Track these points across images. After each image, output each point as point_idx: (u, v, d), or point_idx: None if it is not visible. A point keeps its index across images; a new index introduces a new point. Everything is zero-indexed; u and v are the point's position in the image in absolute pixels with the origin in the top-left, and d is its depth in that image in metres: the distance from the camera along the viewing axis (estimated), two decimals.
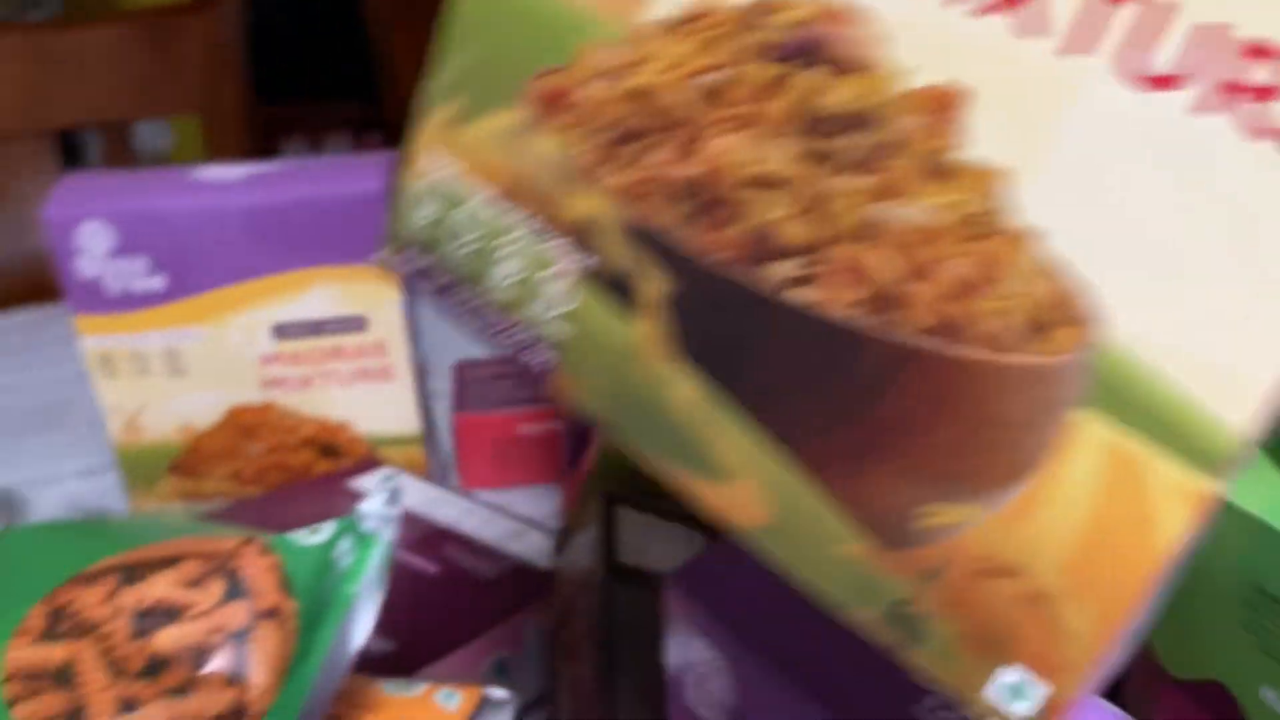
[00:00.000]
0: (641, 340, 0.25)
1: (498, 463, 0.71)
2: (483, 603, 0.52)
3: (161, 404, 0.63)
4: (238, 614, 0.31)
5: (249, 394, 0.64)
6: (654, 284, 0.25)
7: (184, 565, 0.32)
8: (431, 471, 0.70)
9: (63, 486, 0.74)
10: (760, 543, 0.25)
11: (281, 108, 2.50)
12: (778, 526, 0.24)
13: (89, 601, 0.31)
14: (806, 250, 0.23)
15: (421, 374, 0.68)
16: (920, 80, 0.21)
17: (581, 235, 0.26)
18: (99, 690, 0.29)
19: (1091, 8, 0.19)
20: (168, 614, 0.31)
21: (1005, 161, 0.20)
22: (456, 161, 0.28)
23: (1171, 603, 0.41)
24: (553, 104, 0.26)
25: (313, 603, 0.33)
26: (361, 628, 0.34)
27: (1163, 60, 0.19)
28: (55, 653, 0.30)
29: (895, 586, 0.23)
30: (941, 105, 0.21)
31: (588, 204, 0.26)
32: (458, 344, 0.89)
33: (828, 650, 0.32)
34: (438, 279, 0.30)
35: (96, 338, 0.61)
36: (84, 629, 0.30)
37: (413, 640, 0.49)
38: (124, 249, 0.59)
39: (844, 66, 0.22)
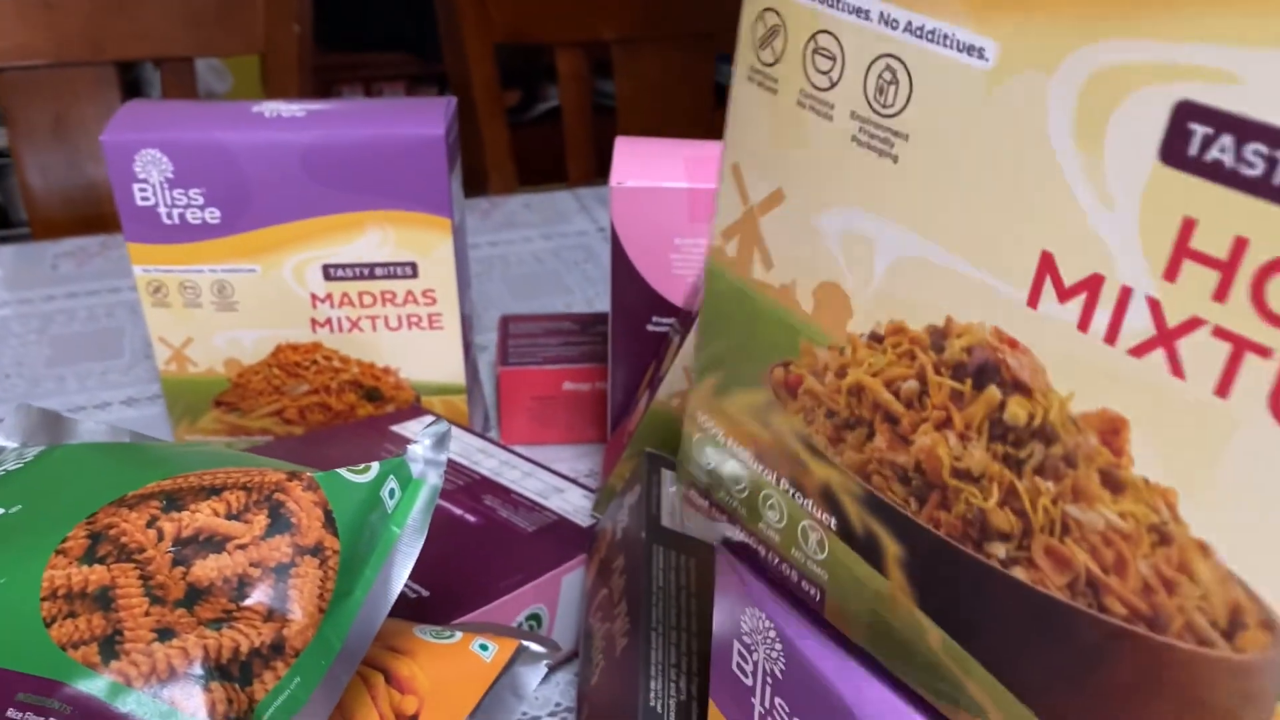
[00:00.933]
0: (890, 591, 0.28)
1: (539, 418, 0.70)
2: (520, 555, 0.51)
3: (209, 337, 0.63)
4: (280, 548, 0.31)
5: (297, 333, 0.63)
6: (890, 546, 0.28)
7: (227, 495, 0.31)
8: (474, 424, 0.69)
9: (109, 413, 0.75)
10: None
11: (338, 55, 2.50)
12: None
13: (131, 526, 0.31)
14: (1015, 536, 0.25)
15: (469, 325, 0.68)
16: (1080, 405, 0.23)
17: (825, 498, 0.30)
18: (138, 615, 0.29)
19: (1236, 355, 0.21)
20: (209, 544, 0.30)
21: (1170, 482, 0.22)
22: (719, 425, 0.33)
23: None
24: (788, 390, 0.30)
25: (356, 542, 0.32)
26: (403, 569, 0.33)
27: None
28: (95, 575, 0.30)
29: None
30: (1107, 428, 0.23)
31: (827, 474, 0.29)
32: (504, 298, 0.89)
33: None
34: (718, 517, 0.34)
35: (149, 267, 0.61)
36: (125, 553, 0.30)
37: (449, 588, 0.49)
38: (181, 179, 0.58)
39: (1017, 386, 0.24)
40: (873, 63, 0.26)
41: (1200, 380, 0.21)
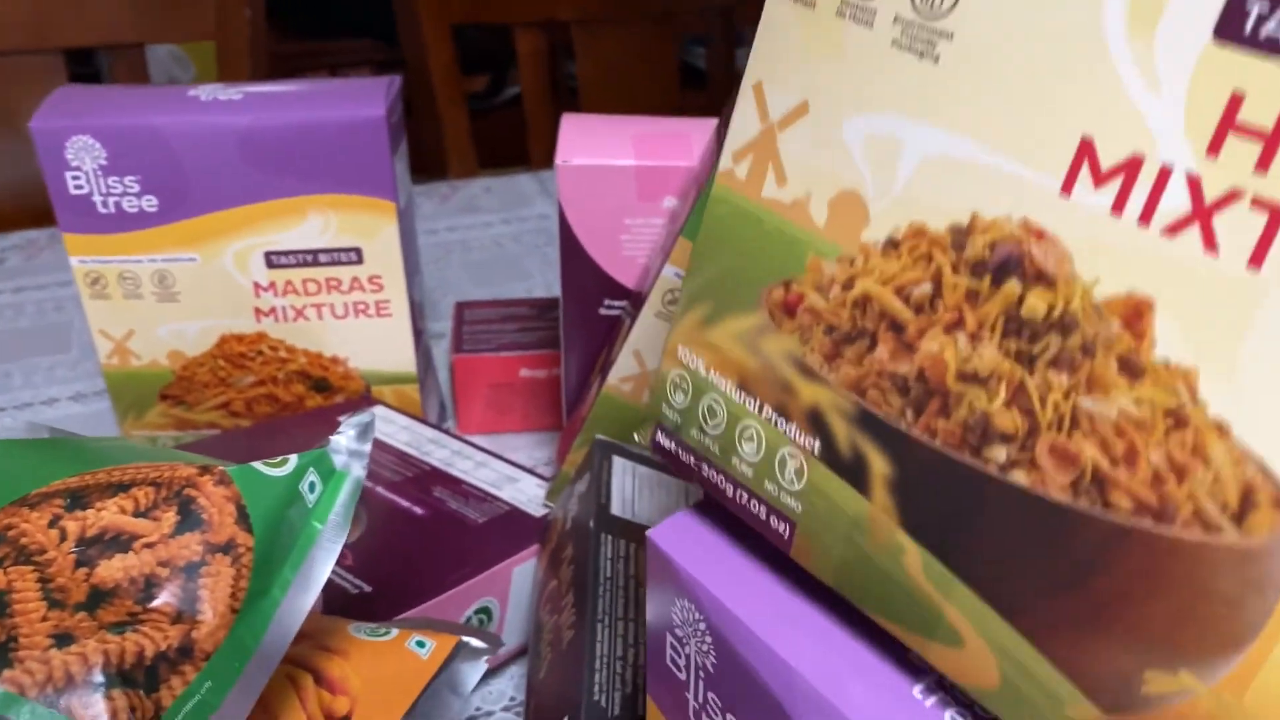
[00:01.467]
0: (870, 514, 0.28)
1: (495, 406, 0.69)
2: (469, 547, 0.50)
3: (152, 329, 0.61)
4: (190, 546, 0.29)
5: (241, 323, 0.62)
6: (878, 464, 0.28)
7: (136, 492, 0.30)
8: (428, 415, 0.68)
9: (57, 410, 0.73)
10: (991, 705, 0.27)
11: (300, 43, 2.47)
12: (1006, 691, 0.26)
13: (32, 526, 0.29)
14: (1018, 437, 0.25)
15: (419, 311, 0.66)
16: (1105, 290, 0.23)
17: (811, 421, 0.29)
18: (34, 620, 0.27)
19: (1273, 224, 0.21)
20: (114, 543, 0.29)
21: (1192, 362, 0.22)
22: (702, 356, 0.32)
23: None
24: (786, 309, 0.30)
25: (273, 537, 0.31)
26: (325, 566, 0.32)
27: None
28: None
29: None
30: (1130, 312, 0.23)
31: (817, 394, 0.29)
32: (464, 284, 0.87)
33: (810, 615, 0.30)
34: (685, 458, 0.33)
35: (86, 258, 0.59)
36: (23, 555, 0.29)
37: (394, 583, 0.47)
38: (115, 166, 0.56)
39: (1039, 278, 0.25)
40: None
41: (1233, 254, 0.21)
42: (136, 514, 0.29)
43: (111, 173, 0.56)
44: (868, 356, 0.28)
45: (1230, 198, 0.21)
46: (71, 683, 0.27)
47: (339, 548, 0.32)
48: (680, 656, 0.32)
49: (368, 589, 0.47)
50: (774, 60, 0.30)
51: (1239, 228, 0.21)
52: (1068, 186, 0.24)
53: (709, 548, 0.32)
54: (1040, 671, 0.25)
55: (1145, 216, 0.23)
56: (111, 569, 0.28)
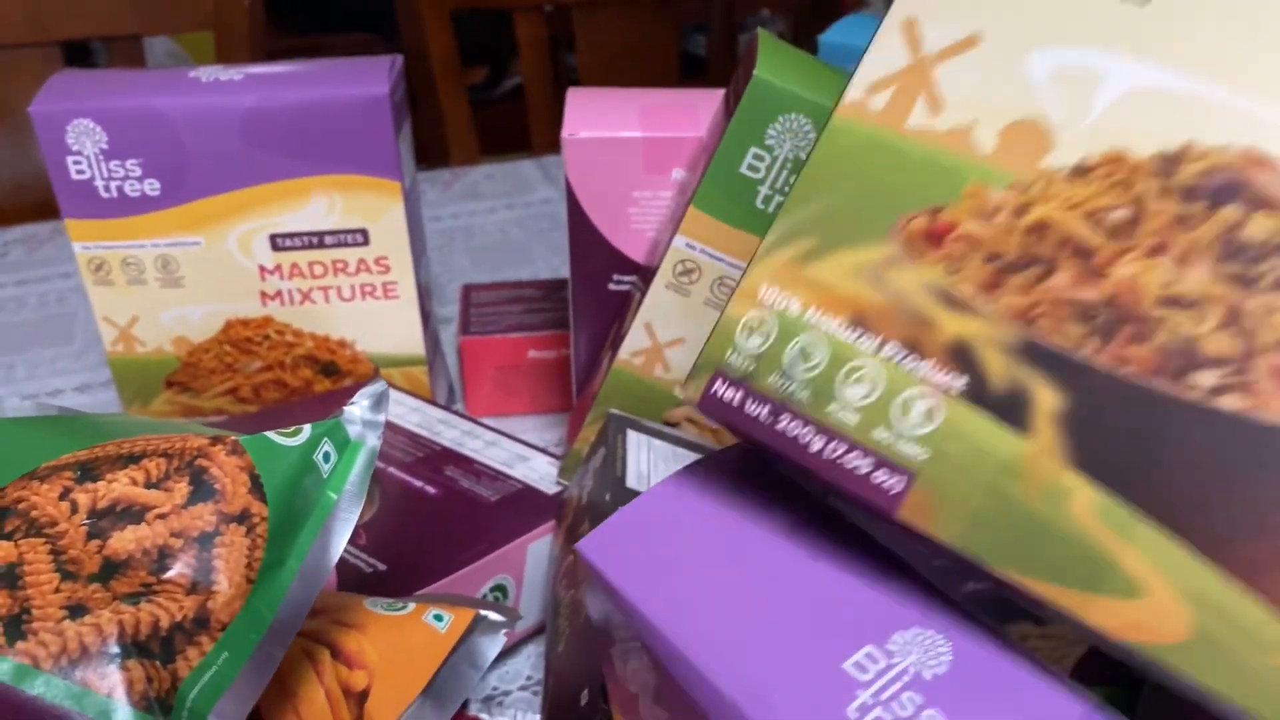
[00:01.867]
0: (1028, 455, 0.26)
1: (504, 388, 0.68)
2: (482, 526, 0.50)
3: (156, 315, 0.61)
4: (203, 516, 0.29)
5: (246, 307, 0.61)
6: (1046, 398, 0.26)
7: (146, 463, 0.29)
8: (437, 398, 0.67)
9: (62, 401, 0.72)
10: (1172, 661, 0.25)
11: (298, 38, 2.47)
12: (1198, 641, 0.24)
13: (42, 499, 0.29)
14: (1231, 361, 0.24)
15: (426, 294, 0.65)
16: None
17: (956, 356, 0.28)
18: (47, 592, 0.27)
19: None
20: (126, 514, 0.28)
21: None
22: (799, 295, 0.30)
23: None
24: (930, 238, 0.28)
25: (288, 508, 0.30)
26: (341, 536, 0.31)
27: None
28: (1, 552, 0.28)
29: None
30: None
31: (965, 326, 0.27)
32: (468, 271, 0.86)
33: (744, 627, 0.29)
34: (755, 409, 0.30)
35: (89, 244, 0.58)
36: (34, 528, 0.28)
37: (408, 563, 0.47)
38: (116, 150, 0.56)
39: (1263, 204, 0.24)
40: None
41: None
42: (148, 485, 0.29)
43: (113, 156, 0.56)
44: (1040, 285, 0.27)
45: None
46: (86, 654, 0.26)
47: (355, 518, 0.32)
48: (626, 669, 0.31)
49: (382, 568, 0.46)
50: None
51: None
52: None
53: (640, 559, 0.31)
54: (1247, 615, 0.24)
55: None
56: (124, 540, 0.28)
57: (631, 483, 0.47)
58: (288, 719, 0.32)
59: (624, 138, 0.52)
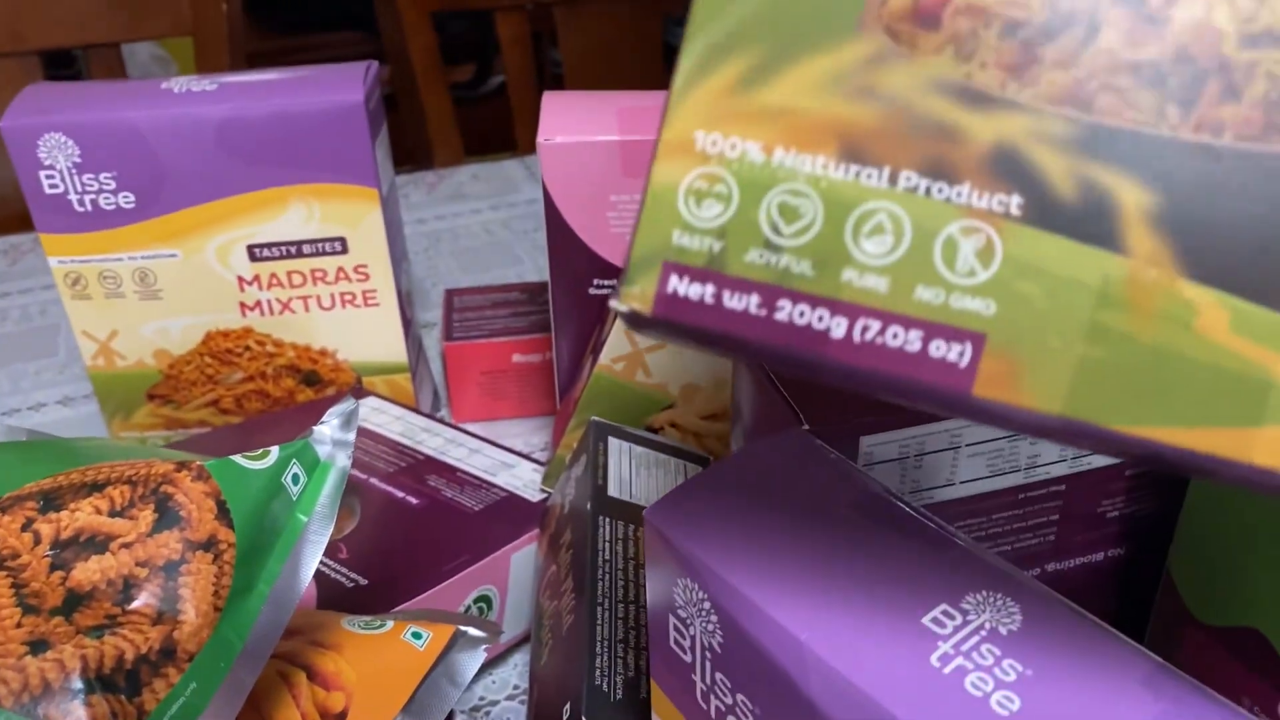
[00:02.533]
0: (1130, 274, 0.21)
1: (489, 393, 0.68)
2: (466, 536, 0.49)
3: (135, 328, 0.60)
4: (169, 544, 0.28)
5: (226, 318, 0.61)
6: (1133, 197, 0.20)
7: (110, 491, 0.29)
8: (422, 405, 0.67)
9: (44, 414, 0.72)
10: None
11: (281, 38, 2.46)
12: None
13: (4, 531, 0.28)
14: None
15: (408, 300, 0.65)
16: None
17: (1000, 168, 0.21)
18: (7, 628, 0.26)
19: None
20: (90, 544, 0.28)
21: None
22: (755, 132, 0.22)
23: (1200, 547, 0.37)
24: (920, 18, 0.21)
25: (256, 532, 0.30)
26: (311, 559, 0.31)
27: None
28: None
29: None
30: None
31: (1003, 126, 0.21)
32: (454, 273, 0.86)
33: (818, 586, 0.29)
34: (735, 303, 0.22)
35: (65, 258, 0.58)
36: None
37: (391, 575, 0.46)
38: (89, 163, 0.55)
39: None
40: None
41: None
42: (112, 513, 0.28)
43: (86, 170, 0.55)
44: (1085, 51, 0.21)
45: None
46: (49, 690, 0.26)
47: (325, 540, 0.31)
48: (685, 638, 0.31)
49: (364, 582, 0.46)
50: None
51: None
52: None
53: (708, 523, 0.31)
54: None
55: None
56: (88, 571, 0.27)
57: (613, 490, 0.47)
58: None
59: (601, 141, 0.51)
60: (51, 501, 0.29)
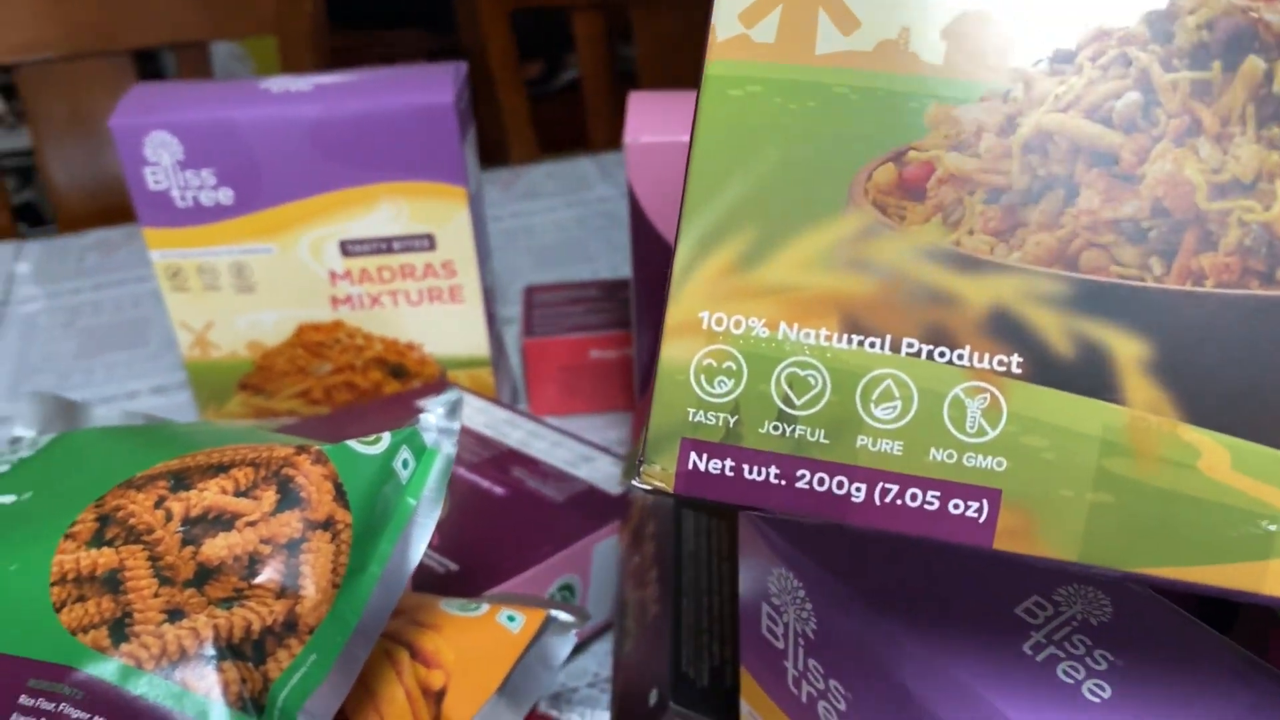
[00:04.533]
0: (1131, 423, 0.21)
1: (567, 388, 0.69)
2: (549, 526, 0.51)
3: (230, 319, 0.63)
4: (290, 523, 0.30)
5: (318, 312, 0.63)
6: (1126, 348, 0.21)
7: (235, 472, 0.31)
8: (501, 398, 0.68)
9: (138, 402, 0.74)
10: None
11: (356, 34, 2.50)
12: None
13: (139, 507, 0.30)
14: None
15: (491, 296, 0.67)
16: None
17: (997, 329, 0.22)
18: (146, 597, 0.28)
19: None
20: (218, 522, 0.30)
21: None
22: (758, 309, 0.23)
23: None
24: (907, 190, 0.22)
25: (369, 514, 0.31)
26: (420, 541, 0.33)
27: None
28: (103, 558, 0.29)
29: None
30: None
31: (996, 289, 0.22)
32: (528, 270, 0.87)
33: (911, 576, 0.30)
34: (755, 474, 0.23)
35: (165, 251, 0.60)
36: (133, 535, 0.29)
37: (478, 562, 0.48)
38: (191, 160, 0.57)
39: None
40: None
41: None
42: (237, 493, 0.30)
43: (188, 167, 0.58)
44: (1066, 213, 0.21)
45: None
46: (185, 656, 0.27)
47: (433, 523, 0.33)
48: (778, 625, 0.32)
49: (454, 568, 0.48)
50: None
51: None
52: None
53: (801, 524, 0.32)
54: None
55: None
56: (216, 547, 0.29)
57: None
58: (370, 717, 0.33)
59: (686, 141, 0.52)
60: (181, 481, 0.30)
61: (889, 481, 0.23)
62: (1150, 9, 0.21)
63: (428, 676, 0.35)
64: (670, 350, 0.23)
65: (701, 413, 0.23)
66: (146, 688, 0.27)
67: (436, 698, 0.35)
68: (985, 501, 0.22)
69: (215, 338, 0.63)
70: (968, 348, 0.22)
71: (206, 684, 0.27)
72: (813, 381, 0.23)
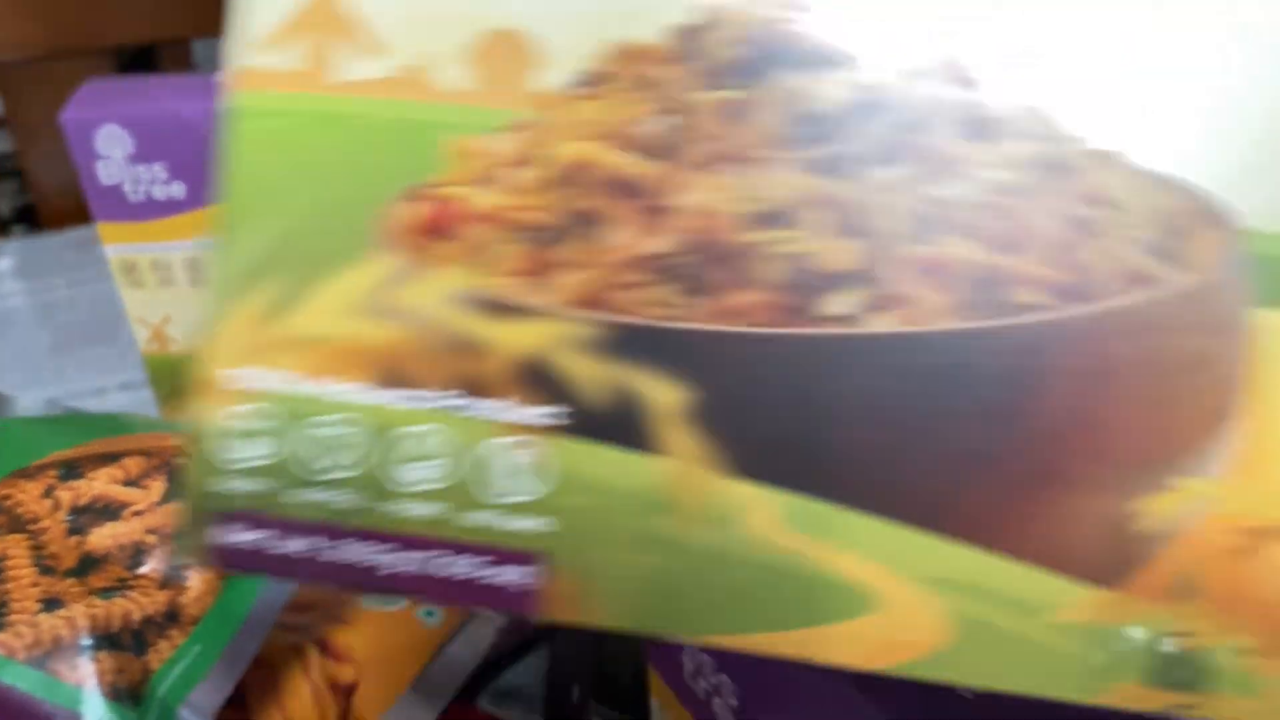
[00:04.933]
0: (675, 477, 0.20)
1: None
2: None
3: (187, 314, 0.62)
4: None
5: None
6: (667, 396, 0.19)
7: (127, 461, 0.30)
8: None
9: (106, 399, 0.74)
10: (943, 672, 0.19)
11: None
12: (965, 640, 0.19)
13: (27, 496, 0.30)
14: (861, 272, 0.19)
15: None
16: (909, 40, 0.17)
17: (532, 379, 0.20)
18: (24, 586, 0.28)
19: None
20: (104, 511, 0.29)
21: (1043, 98, 0.17)
22: (287, 362, 0.21)
23: None
24: (436, 229, 0.20)
25: None
26: None
27: None
28: None
29: (1145, 628, 0.18)
30: (952, 70, 0.17)
31: (529, 335, 0.20)
32: None
33: None
34: (293, 544, 0.21)
35: (120, 246, 0.60)
36: (19, 523, 0.29)
37: None
38: (142, 154, 0.57)
39: (822, 60, 0.18)
40: None
41: None
42: (127, 483, 0.30)
43: (140, 161, 0.57)
44: (599, 250, 0.20)
45: None
46: (59, 645, 0.27)
47: None
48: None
49: None
50: None
51: None
52: None
53: None
54: (1006, 583, 0.19)
55: None
56: (102, 536, 0.29)
57: None
58: (273, 713, 0.33)
59: None
60: (73, 470, 0.30)
61: (428, 548, 0.20)
62: (678, 23, 0.19)
63: (336, 671, 0.35)
64: (199, 412, 0.21)
65: (233, 478, 0.21)
66: (16, 677, 0.27)
67: (345, 692, 0.35)
68: (532, 566, 0.20)
69: (172, 332, 0.63)
70: (506, 399, 0.20)
71: (81, 673, 0.27)
72: (349, 440, 0.21)
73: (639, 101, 0.19)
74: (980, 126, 0.18)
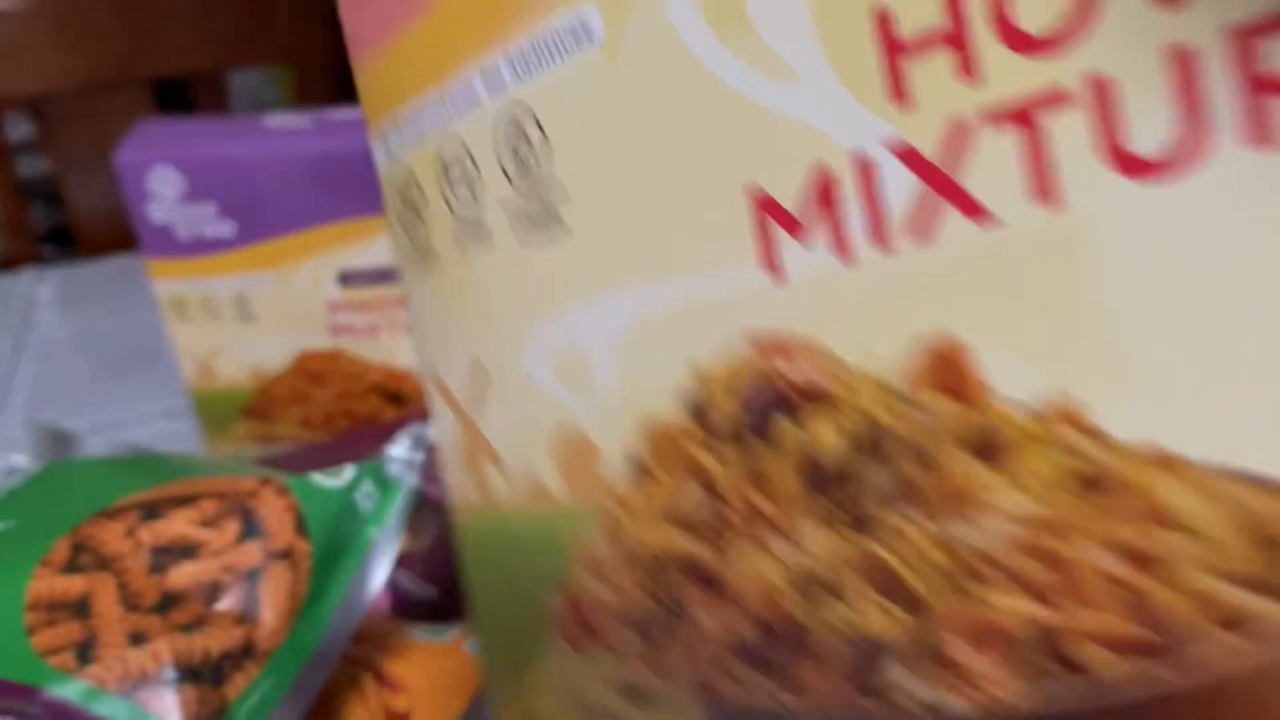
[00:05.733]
0: None
1: None
2: None
3: (232, 348, 0.65)
4: (251, 553, 0.32)
5: (317, 340, 0.65)
6: None
7: (202, 504, 0.32)
8: None
9: (148, 428, 0.77)
10: None
11: None
12: None
13: (110, 536, 0.32)
14: (907, 639, 0.16)
15: None
16: (889, 358, 0.15)
17: None
18: (112, 622, 0.30)
19: (1034, 148, 0.14)
20: (183, 551, 0.31)
21: (1060, 383, 0.14)
22: None
23: None
24: (581, 625, 0.21)
25: (329, 545, 0.33)
26: (380, 571, 0.34)
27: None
28: (74, 584, 0.31)
29: None
30: (940, 367, 0.15)
31: None
32: None
33: None
34: None
35: (169, 282, 0.62)
36: (103, 562, 0.31)
37: (459, 588, 0.49)
38: (193, 194, 0.60)
39: (805, 397, 0.17)
40: (499, 133, 0.20)
41: (1011, 211, 0.14)
42: (203, 524, 0.32)
43: (190, 201, 0.60)
44: (693, 635, 0.19)
45: (956, 135, 0.14)
46: (146, 678, 0.29)
47: (393, 554, 0.34)
48: None
49: (434, 593, 0.49)
50: (436, 344, 0.23)
51: (993, 168, 0.14)
52: (769, 261, 0.17)
53: None
54: None
55: (877, 233, 0.15)
56: (181, 575, 0.31)
57: None
58: None
59: None
60: (151, 511, 0.32)
61: None
62: (684, 389, 0.18)
63: (392, 699, 0.37)
64: None
65: None
66: (108, 708, 0.28)
67: None
68: None
69: (218, 365, 0.65)
70: None
71: (165, 704, 0.29)
72: None
73: (677, 481, 0.19)
74: (990, 443, 0.15)
